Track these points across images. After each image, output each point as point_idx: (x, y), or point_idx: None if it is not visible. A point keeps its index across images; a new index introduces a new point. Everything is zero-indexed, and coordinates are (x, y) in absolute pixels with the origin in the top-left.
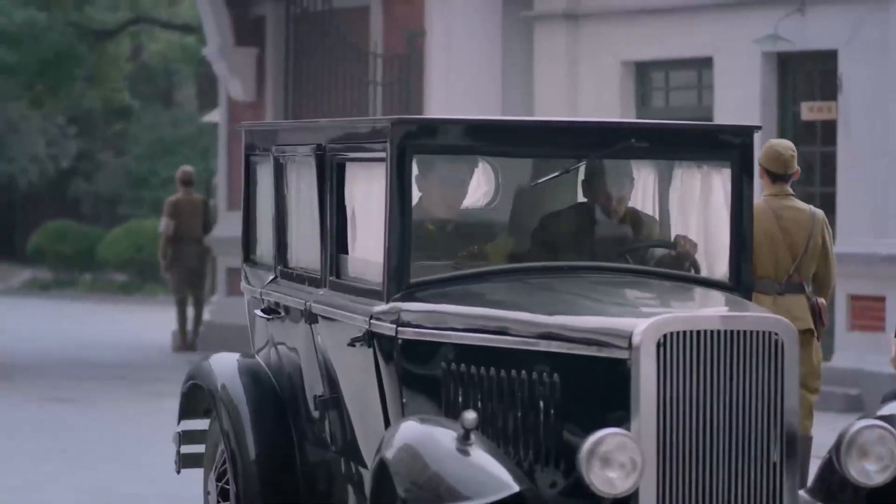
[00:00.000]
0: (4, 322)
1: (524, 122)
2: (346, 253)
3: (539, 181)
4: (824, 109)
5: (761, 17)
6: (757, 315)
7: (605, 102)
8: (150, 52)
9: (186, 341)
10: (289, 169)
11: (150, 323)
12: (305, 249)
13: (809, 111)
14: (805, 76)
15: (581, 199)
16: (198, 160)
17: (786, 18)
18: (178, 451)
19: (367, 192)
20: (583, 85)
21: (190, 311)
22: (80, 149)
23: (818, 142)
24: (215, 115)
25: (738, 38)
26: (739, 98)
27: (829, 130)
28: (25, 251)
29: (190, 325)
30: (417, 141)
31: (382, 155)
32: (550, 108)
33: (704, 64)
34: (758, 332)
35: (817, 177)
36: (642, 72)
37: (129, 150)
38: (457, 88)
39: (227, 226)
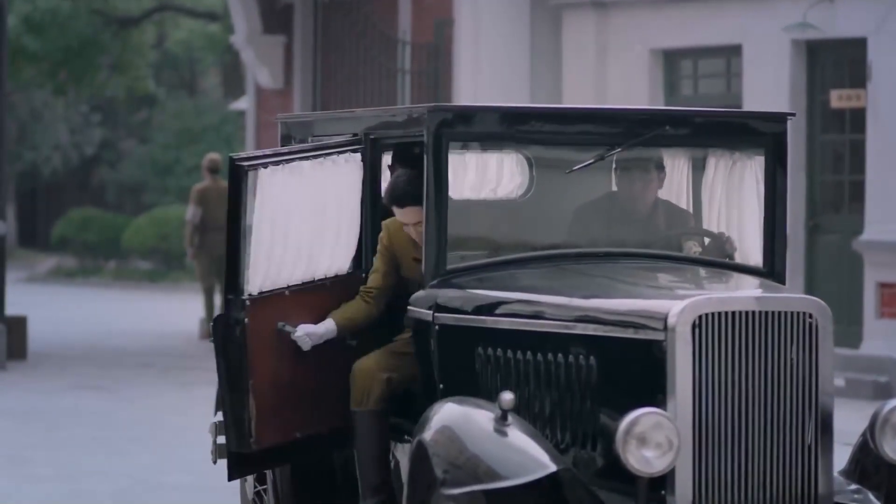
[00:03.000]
0: (30, 310)
1: (560, 110)
2: None
3: (574, 168)
4: (853, 97)
5: (790, 5)
6: (791, 296)
7: (634, 91)
8: (173, 40)
9: (209, 331)
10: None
11: (175, 311)
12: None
13: (838, 99)
14: (834, 64)
15: (613, 187)
16: (223, 148)
17: (815, 6)
18: (215, 442)
19: None
20: (611, 73)
21: (217, 299)
22: (104, 137)
23: (847, 130)
24: (242, 103)
25: (766, 25)
26: (768, 86)
27: (858, 118)
28: (49, 239)
29: (217, 313)
30: (454, 128)
31: (419, 142)
32: (579, 96)
33: (733, 52)
34: (792, 313)
35: (846, 165)
36: (671, 60)
37: (153, 137)
38: (485, 77)
39: None
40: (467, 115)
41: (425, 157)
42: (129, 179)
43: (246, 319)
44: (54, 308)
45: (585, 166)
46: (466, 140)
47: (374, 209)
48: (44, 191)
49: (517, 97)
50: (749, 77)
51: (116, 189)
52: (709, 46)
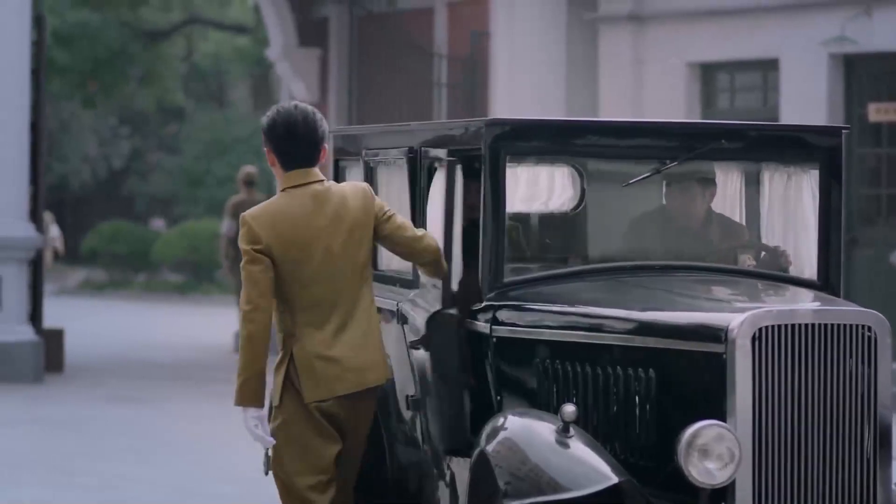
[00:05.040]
0: (62, 322)
1: (616, 123)
2: None
3: (630, 182)
4: (891, 111)
5: (827, 19)
6: (850, 309)
7: (670, 104)
8: (201, 52)
9: None
10: (379, 172)
11: (206, 324)
12: None
13: (876, 113)
14: (871, 77)
15: (665, 201)
16: (253, 160)
17: (852, 20)
18: (267, 453)
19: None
20: (648, 87)
21: None
22: (133, 149)
23: (884, 143)
24: None
25: (804, 39)
26: (806, 100)
27: (895, 132)
28: (78, 252)
29: None
30: (511, 142)
31: (476, 156)
32: (615, 109)
33: (770, 65)
34: (851, 326)
35: (883, 179)
36: (708, 73)
37: (182, 150)
38: (521, 89)
39: None
40: (525, 128)
41: (482, 170)
42: (158, 192)
43: None
44: (86, 321)
45: (642, 179)
46: (523, 153)
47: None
48: (73, 203)
49: (554, 110)
50: (786, 91)
51: (146, 202)
52: (746, 60)
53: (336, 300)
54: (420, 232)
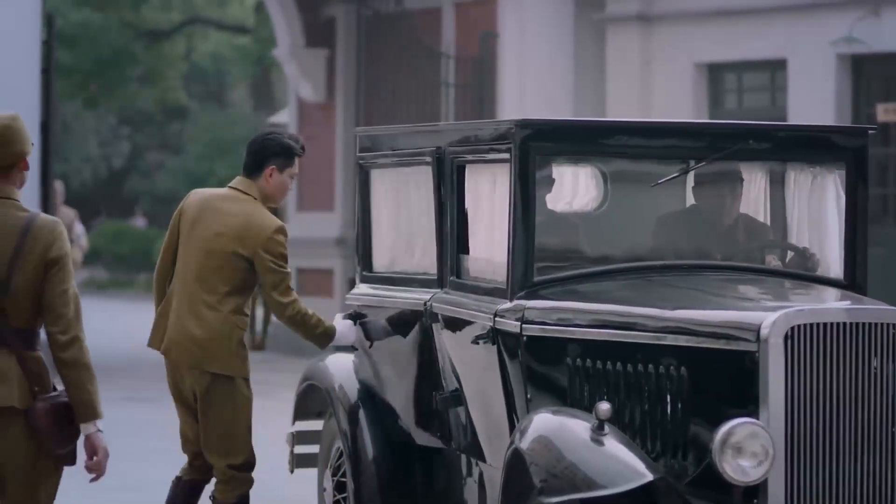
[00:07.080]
0: None
1: (645, 124)
2: (467, 253)
3: (659, 182)
4: None
5: (835, 19)
6: (880, 308)
7: (678, 104)
8: (200, 52)
9: (255, 341)
10: (405, 172)
11: None
12: (423, 251)
13: (885, 113)
14: (880, 78)
15: (693, 201)
16: None
17: (861, 20)
18: (292, 452)
19: (489, 193)
20: (655, 87)
21: (259, 311)
22: (134, 149)
23: (893, 143)
24: (282, 117)
25: (812, 39)
26: (814, 100)
27: None
28: None
29: (259, 325)
30: (541, 142)
31: (506, 156)
32: (623, 110)
33: (778, 66)
34: (881, 325)
35: (891, 178)
36: (715, 74)
37: (185, 149)
38: (529, 90)
39: (297, 226)
40: (555, 129)
41: (511, 170)
42: (160, 191)
43: None
44: (91, 321)
45: (670, 179)
46: (553, 154)
47: (458, 218)
48: (73, 203)
49: (561, 110)
50: (794, 91)
51: (148, 201)
52: (754, 60)
53: (194, 283)
54: (288, 297)
